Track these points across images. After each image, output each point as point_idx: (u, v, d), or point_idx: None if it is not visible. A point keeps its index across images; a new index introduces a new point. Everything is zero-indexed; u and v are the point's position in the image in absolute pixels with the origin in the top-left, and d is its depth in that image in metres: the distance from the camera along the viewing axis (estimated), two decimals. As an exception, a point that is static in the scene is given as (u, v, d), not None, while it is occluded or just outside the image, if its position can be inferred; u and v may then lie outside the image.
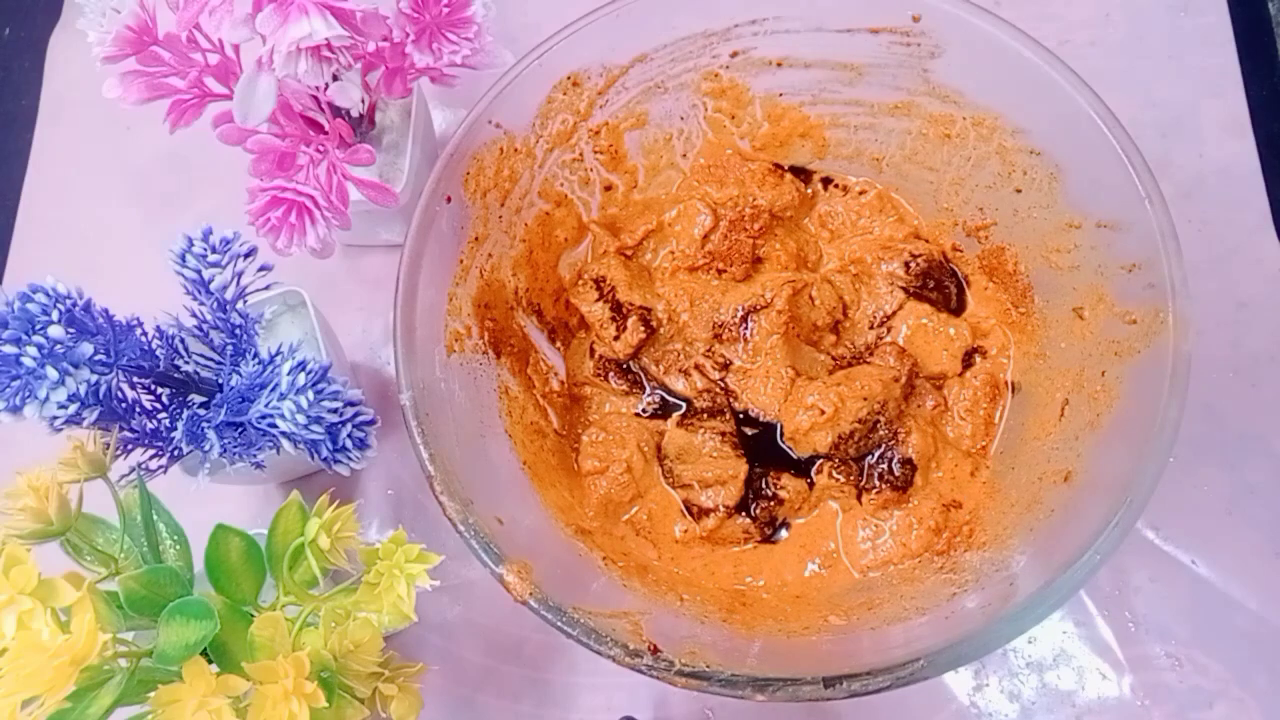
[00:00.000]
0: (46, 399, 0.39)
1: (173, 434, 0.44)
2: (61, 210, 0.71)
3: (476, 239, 0.54)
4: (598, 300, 0.59)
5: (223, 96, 0.51)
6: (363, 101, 0.52)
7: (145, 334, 0.45)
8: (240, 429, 0.44)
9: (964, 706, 0.55)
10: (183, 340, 0.46)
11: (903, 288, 0.60)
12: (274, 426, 0.43)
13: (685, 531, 0.56)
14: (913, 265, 0.60)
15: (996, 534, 0.51)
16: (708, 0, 0.54)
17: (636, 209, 0.62)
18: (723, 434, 0.57)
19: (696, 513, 0.56)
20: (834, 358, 0.60)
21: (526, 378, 0.57)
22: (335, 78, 0.49)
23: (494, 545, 0.44)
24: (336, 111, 0.53)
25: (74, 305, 0.40)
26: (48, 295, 0.39)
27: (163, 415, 0.46)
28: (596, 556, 0.51)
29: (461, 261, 0.53)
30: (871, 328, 0.60)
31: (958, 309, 0.60)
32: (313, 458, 0.45)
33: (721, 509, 0.55)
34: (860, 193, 0.62)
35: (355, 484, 0.62)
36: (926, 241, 0.61)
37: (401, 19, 0.51)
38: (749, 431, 0.58)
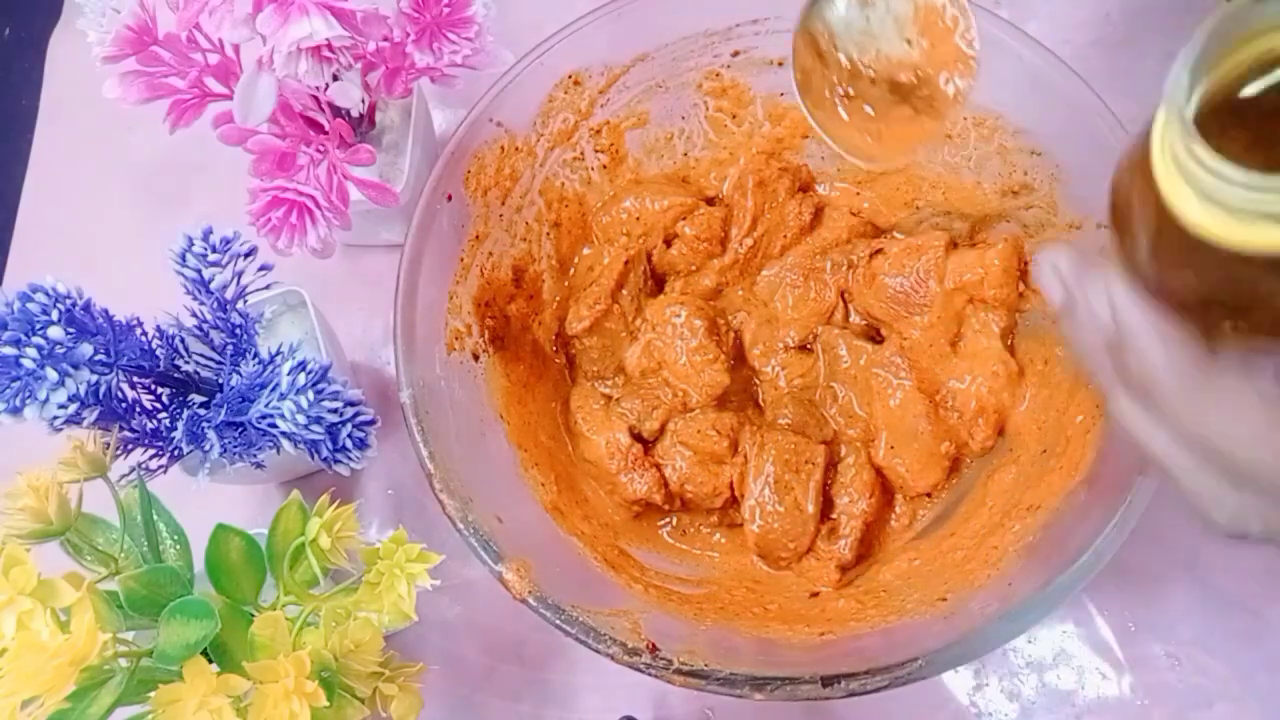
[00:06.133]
0: (46, 400, 0.39)
1: (173, 434, 0.44)
2: (61, 210, 0.71)
3: (477, 237, 0.54)
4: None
5: (223, 96, 0.51)
6: (363, 101, 0.52)
7: (145, 334, 0.45)
8: (240, 429, 0.44)
9: (963, 706, 0.55)
10: (183, 340, 0.46)
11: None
12: (274, 426, 0.43)
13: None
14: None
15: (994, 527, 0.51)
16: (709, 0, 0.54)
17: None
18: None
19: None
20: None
21: (527, 375, 0.57)
22: (335, 78, 0.49)
23: (493, 543, 0.44)
24: (337, 111, 0.53)
25: (74, 305, 0.40)
26: (48, 295, 0.39)
27: (163, 415, 0.46)
28: (595, 555, 0.51)
29: (462, 260, 0.53)
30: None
31: None
32: (313, 458, 0.45)
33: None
34: None
35: (355, 484, 0.62)
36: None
37: (402, 19, 0.51)
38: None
